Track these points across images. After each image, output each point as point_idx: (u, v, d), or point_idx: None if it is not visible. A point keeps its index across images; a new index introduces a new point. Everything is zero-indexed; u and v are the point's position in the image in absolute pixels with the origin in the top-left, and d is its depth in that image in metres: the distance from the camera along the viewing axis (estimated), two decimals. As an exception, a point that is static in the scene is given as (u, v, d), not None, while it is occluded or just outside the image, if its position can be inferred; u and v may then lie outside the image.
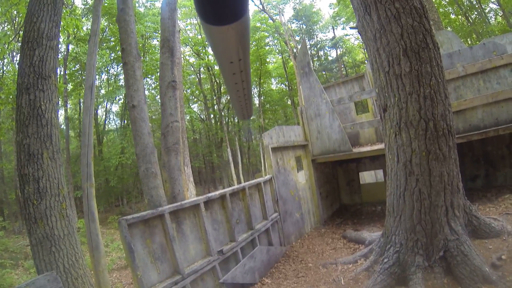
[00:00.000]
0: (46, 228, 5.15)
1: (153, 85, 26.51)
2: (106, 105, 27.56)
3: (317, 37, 31.46)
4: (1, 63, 17.21)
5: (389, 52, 4.82)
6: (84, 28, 20.30)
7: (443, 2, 19.98)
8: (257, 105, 29.70)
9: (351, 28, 19.72)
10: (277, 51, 29.48)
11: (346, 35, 30.20)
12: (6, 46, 11.17)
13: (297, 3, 30.13)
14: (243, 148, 33.82)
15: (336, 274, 6.14)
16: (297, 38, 29.26)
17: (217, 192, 6.57)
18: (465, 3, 19.71)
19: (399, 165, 5.04)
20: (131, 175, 24.60)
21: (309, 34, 29.93)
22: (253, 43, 26.50)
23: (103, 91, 25.34)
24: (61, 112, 22.18)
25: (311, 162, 10.38)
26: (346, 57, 31.43)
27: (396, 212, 5.23)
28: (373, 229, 8.52)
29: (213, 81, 29.41)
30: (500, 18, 20.39)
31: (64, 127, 21.58)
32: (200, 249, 5.89)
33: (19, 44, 15.37)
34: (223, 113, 29.53)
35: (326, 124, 10.02)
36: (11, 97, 10.24)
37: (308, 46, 30.78)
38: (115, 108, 29.04)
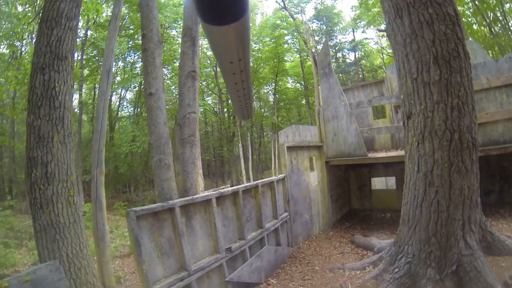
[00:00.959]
0: (51, 214, 4.92)
1: (168, 75, 26.53)
2: (121, 92, 27.69)
3: (336, 38, 31.12)
4: (20, 44, 17.35)
5: (418, 59, 4.68)
6: (104, 15, 20.39)
7: (466, 12, 19.58)
8: (272, 103, 29.60)
9: (379, 30, 19.44)
10: (295, 49, 29.21)
11: (366, 38, 29.92)
12: (26, 26, 11.16)
13: (319, 3, 29.79)
14: (254, 144, 33.75)
15: (343, 280, 6.05)
16: (317, 38, 28.96)
17: (230, 188, 6.50)
18: (490, 15, 19.26)
19: (419, 174, 4.92)
20: (140, 163, 24.72)
21: (328, 35, 29.58)
22: (272, 40, 26.35)
23: (118, 78, 25.46)
24: (76, 96, 22.32)
25: (325, 164, 10.28)
26: (364, 61, 31.05)
27: (411, 221, 5.12)
28: (382, 236, 8.40)
29: (229, 75, 29.25)
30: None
31: (78, 111, 21.73)
32: (209, 246, 5.81)
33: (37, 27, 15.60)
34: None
35: (343, 127, 9.89)
36: (27, 78, 10.27)
37: (327, 47, 30.45)
38: (129, 95, 29.15)
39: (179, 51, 23.51)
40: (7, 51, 16.07)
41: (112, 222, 16.13)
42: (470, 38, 18.32)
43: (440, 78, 4.55)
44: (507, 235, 5.53)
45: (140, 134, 21.72)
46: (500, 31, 19.10)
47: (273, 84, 29.23)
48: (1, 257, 10.63)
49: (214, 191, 6.55)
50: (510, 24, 19.36)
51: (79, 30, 22.85)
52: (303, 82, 30.15)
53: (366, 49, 30.15)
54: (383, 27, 24.60)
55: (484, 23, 19.45)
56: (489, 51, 18.93)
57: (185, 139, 6.25)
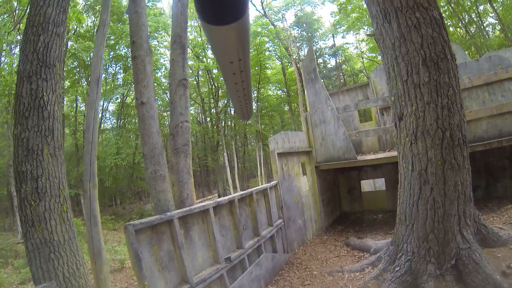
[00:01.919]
0: (44, 232, 4.69)
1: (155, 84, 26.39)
2: (103, 104, 27.32)
3: (317, 44, 31.63)
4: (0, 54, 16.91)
5: (408, 61, 4.83)
6: (83, 25, 20.13)
7: (443, 15, 20.24)
8: (255, 110, 29.70)
9: (368, 35, 19.82)
10: (276, 56, 29.52)
11: (346, 43, 30.47)
12: (6, 36, 10.88)
13: (299, 10, 30.32)
14: (239, 153, 33.73)
15: (344, 282, 6.09)
16: (298, 44, 29.36)
17: (226, 198, 6.45)
18: (465, 16, 20.03)
19: (414, 173, 5.04)
20: (125, 176, 24.34)
21: (309, 41, 30.06)
22: (253, 47, 26.56)
23: (100, 90, 25.06)
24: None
25: (315, 168, 10.36)
26: (345, 66, 31.63)
27: (408, 220, 5.22)
28: (377, 237, 8.51)
29: (211, 84, 29.35)
30: (498, 32, 20.80)
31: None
32: (208, 257, 5.71)
33: (17, 37, 15.23)
34: (220, 116, 29.44)
35: (331, 131, 10.02)
36: (7, 89, 9.89)
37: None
38: (111, 107, 28.77)
39: (161, 61, 23.33)
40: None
41: (100, 236, 15.74)
42: (449, 40, 18.93)
43: (429, 79, 4.71)
44: (499, 227, 5.71)
45: (125, 147, 21.40)
46: (476, 32, 19.85)
47: (255, 92, 29.38)
48: (-14, 276, 10.24)
49: (204, 200, 6.48)
50: (485, 25, 20.17)
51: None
52: (285, 89, 30.39)
53: (347, 54, 30.75)
54: (362, 32, 25.20)
55: (460, 24, 20.18)
56: (467, 52, 19.66)
57: (179, 148, 6.12)
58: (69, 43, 20.73)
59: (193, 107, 33.62)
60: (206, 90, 31.20)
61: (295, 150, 9.43)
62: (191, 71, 29.05)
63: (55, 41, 5.38)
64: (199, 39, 26.80)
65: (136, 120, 26.27)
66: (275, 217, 8.08)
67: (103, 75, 25.55)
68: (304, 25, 30.48)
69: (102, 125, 28.28)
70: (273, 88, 33.04)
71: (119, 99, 25.62)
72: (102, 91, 24.04)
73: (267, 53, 28.08)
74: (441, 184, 4.78)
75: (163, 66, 26.47)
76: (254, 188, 7.51)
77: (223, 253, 5.95)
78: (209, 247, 5.77)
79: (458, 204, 4.83)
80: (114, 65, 24.55)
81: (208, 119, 32.13)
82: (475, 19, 19.80)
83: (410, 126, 5.01)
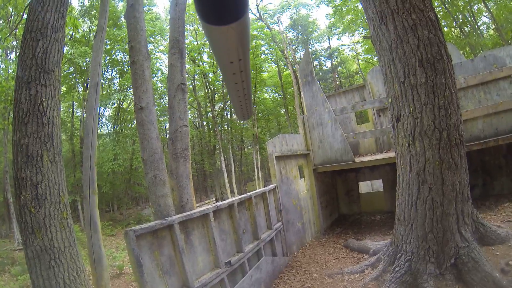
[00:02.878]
0: (44, 239, 4.61)
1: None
2: (99, 109, 27.29)
3: (312, 47, 31.75)
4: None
5: (405, 63, 4.87)
6: (79, 30, 20.10)
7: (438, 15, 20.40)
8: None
9: (364, 37, 19.94)
10: (272, 59, 29.60)
11: (342, 45, 30.64)
12: (2, 42, 10.81)
13: (294, 13, 30.43)
14: (236, 157, 33.71)
15: (344, 284, 6.10)
16: (293, 47, 29.47)
17: (225, 202, 6.44)
18: (460, 16, 20.21)
19: (412, 174, 5.07)
20: (123, 181, 24.25)
21: (305, 44, 30.17)
22: (249, 51, 26.56)
23: (99, 95, 25.04)
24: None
25: (312, 171, 10.38)
26: (340, 68, 31.76)
27: (407, 220, 5.24)
28: (375, 238, 8.53)
29: (208, 88, 29.37)
30: (492, 31, 21.00)
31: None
32: (208, 261, 5.69)
33: (13, 43, 15.18)
34: (217, 121, 29.45)
35: (328, 133, 10.05)
36: (3, 95, 9.82)
37: (303, 56, 30.96)
38: (107, 112, 28.72)
39: (157, 65, 23.27)
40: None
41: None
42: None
43: (426, 80, 4.75)
44: (497, 225, 5.75)
45: (122, 152, 21.32)
46: (470, 32, 20.00)
47: (252, 95, 29.33)
48: (-18, 284, 10.17)
49: (201, 204, 6.46)
50: (479, 24, 20.34)
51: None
52: (281, 92, 30.46)
53: (342, 56, 30.89)
54: (357, 33, 25.33)
55: (454, 24, 20.35)
56: (461, 51, 19.84)
57: (179, 153, 6.12)
58: (65, 48, 20.68)
59: (189, 111, 33.57)
60: (202, 94, 31.21)
61: (293, 153, 9.46)
62: (187, 75, 29.06)
63: (53, 46, 5.32)
64: (195, 43, 26.84)
65: (133, 125, 26.28)
66: (274, 221, 8.08)
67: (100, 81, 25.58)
68: (300, 27, 30.61)
69: (99, 131, 28.24)
70: (270, 91, 33.10)
71: (116, 104, 25.55)
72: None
73: (263, 56, 28.16)
74: (439, 184, 4.81)
75: (159, 71, 26.49)
76: (253, 192, 7.51)
77: (224, 257, 5.93)
78: (210, 252, 5.74)
79: (456, 203, 4.86)
80: (110, 70, 24.52)
81: (205, 123, 32.12)
82: (469, 18, 19.99)
83: (407, 127, 5.04)
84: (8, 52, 16.91)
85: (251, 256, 6.76)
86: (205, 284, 5.21)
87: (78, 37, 20.68)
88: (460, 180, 4.89)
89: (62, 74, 20.58)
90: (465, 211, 4.97)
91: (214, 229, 5.77)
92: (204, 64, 27.76)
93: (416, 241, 5.07)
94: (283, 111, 31.80)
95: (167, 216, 5.20)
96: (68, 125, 24.26)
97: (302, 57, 11.62)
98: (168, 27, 7.31)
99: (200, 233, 5.64)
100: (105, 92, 24.17)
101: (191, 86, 30.04)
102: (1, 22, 14.92)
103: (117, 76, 25.21)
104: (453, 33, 21.52)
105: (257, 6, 26.63)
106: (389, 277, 5.17)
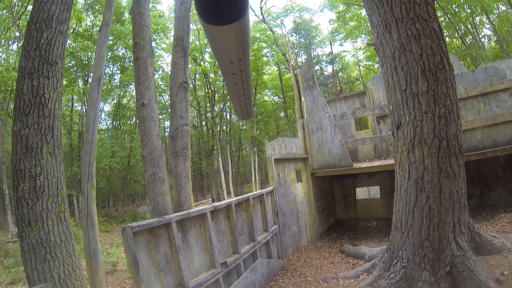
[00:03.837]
0: (41, 232, 4.56)
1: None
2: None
3: (314, 51, 31.81)
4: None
5: (407, 71, 4.91)
6: (82, 24, 20.12)
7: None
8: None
9: (367, 44, 20.01)
10: (273, 62, 29.65)
11: (344, 51, 30.73)
12: (5, 32, 10.76)
13: (297, 17, 30.52)
14: (233, 158, 33.71)
15: (338, 289, 6.12)
16: (295, 51, 29.55)
17: (223, 202, 6.46)
18: (462, 27, 20.34)
19: (410, 181, 5.10)
20: (120, 178, 24.20)
21: (307, 48, 30.27)
22: (251, 53, 26.66)
23: (101, 90, 25.04)
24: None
25: (310, 175, 10.41)
26: (341, 73, 31.84)
27: (404, 227, 5.26)
28: (371, 244, 8.55)
29: (208, 88, 29.38)
30: (494, 43, 21.14)
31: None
32: (204, 261, 5.69)
33: (16, 34, 15.16)
34: (216, 121, 29.47)
35: (328, 138, 10.09)
36: (3, 85, 9.76)
37: (305, 60, 31.10)
38: (107, 108, 28.71)
39: (158, 63, 23.25)
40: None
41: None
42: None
43: (427, 89, 4.79)
44: (492, 235, 5.80)
45: (120, 150, 21.27)
46: (471, 43, 20.12)
47: (252, 95, 29.36)
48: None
49: (198, 204, 6.46)
50: (481, 36, 20.46)
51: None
52: (281, 95, 30.51)
53: (344, 61, 30.99)
54: (359, 40, 25.41)
55: (456, 35, 20.46)
56: (462, 62, 19.97)
57: (178, 152, 6.11)
58: (67, 41, 20.68)
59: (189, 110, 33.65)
60: (202, 94, 31.23)
61: (291, 156, 9.48)
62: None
63: (58, 38, 5.28)
64: (197, 43, 26.85)
65: (132, 122, 26.26)
66: (270, 223, 8.10)
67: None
68: (302, 31, 30.69)
69: (98, 126, 28.19)
70: (270, 93, 33.15)
71: (116, 100, 25.56)
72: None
73: (264, 58, 28.22)
74: (437, 192, 4.84)
75: (161, 69, 26.51)
76: (251, 193, 7.53)
77: (220, 257, 5.92)
78: (206, 251, 5.74)
79: (453, 212, 4.90)
80: (112, 66, 24.53)
81: (204, 123, 32.12)
82: (471, 30, 20.12)
83: (407, 135, 5.07)
84: (10, 42, 16.88)
85: (246, 257, 6.76)
86: (200, 284, 5.21)
87: (81, 31, 20.64)
88: (457, 189, 4.92)
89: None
90: (461, 220, 5.01)
91: (211, 229, 5.77)
92: (206, 64, 27.78)
93: (412, 248, 5.08)
94: (282, 114, 31.83)
95: (165, 214, 5.19)
96: (67, 119, 24.21)
97: (304, 61, 11.63)
98: (171, 25, 7.32)
99: (197, 232, 5.64)
100: (105, 88, 24.17)
101: (191, 86, 30.07)
102: (4, 12, 14.89)
103: (118, 72, 25.22)
104: (454, 44, 21.65)
105: (261, 8, 26.73)
106: (384, 283, 5.19)
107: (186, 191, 6.03)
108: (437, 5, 18.60)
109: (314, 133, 10.36)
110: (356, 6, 21.64)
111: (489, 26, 20.12)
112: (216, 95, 29.57)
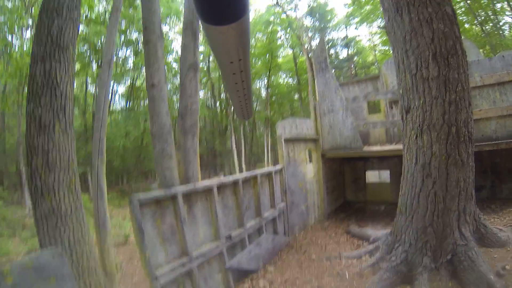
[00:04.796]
0: (53, 202, 4.81)
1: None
2: (113, 86, 27.64)
3: (329, 35, 31.18)
4: (11, 37, 17.18)
5: (418, 55, 4.83)
6: (94, 10, 20.39)
7: (458, 11, 19.85)
8: (264, 97, 29.62)
9: (379, 28, 19.57)
10: (288, 45, 29.29)
11: (359, 35, 30.09)
12: (18, 20, 10.94)
13: (312, 0, 29.82)
14: (247, 138, 33.84)
15: (340, 268, 6.22)
16: (310, 34, 29.03)
17: (230, 178, 6.60)
18: (481, 13, 19.60)
19: (417, 166, 5.09)
20: (133, 156, 24.69)
21: (321, 32, 29.67)
22: (265, 36, 26.38)
23: (111, 72, 25.30)
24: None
25: (321, 156, 10.44)
26: (357, 58, 31.21)
27: (408, 212, 5.29)
28: (377, 227, 8.60)
29: (222, 69, 29.24)
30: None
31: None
32: (210, 233, 5.91)
33: (28, 21, 15.36)
34: (229, 101, 29.49)
35: (339, 120, 10.05)
36: (18, 71, 10.00)
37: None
38: (121, 89, 29.12)
39: (171, 47, 23.31)
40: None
41: (106, 212, 16.18)
42: (463, 37, 18.59)
43: (438, 74, 4.71)
44: (499, 228, 5.68)
45: (133, 130, 21.66)
46: (491, 30, 19.41)
47: (266, 79, 29.25)
48: (-6, 245, 10.67)
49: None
50: (501, 23, 19.70)
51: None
52: (296, 77, 30.23)
53: (359, 46, 30.34)
54: (375, 24, 24.82)
55: (475, 22, 19.75)
56: (481, 50, 19.30)
57: (187, 128, 6.32)
58: (81, 27, 20.94)
59: (203, 91, 33.73)
60: (216, 75, 31.19)
61: (302, 137, 9.52)
62: (202, 57, 29.01)
63: (69, 24, 5.43)
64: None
65: (145, 103, 26.57)
66: (278, 201, 8.25)
67: (114, 59, 25.85)
68: (317, 15, 29.98)
69: (113, 107, 28.64)
70: (284, 76, 32.88)
71: (129, 82, 25.89)
72: (113, 74, 24.62)
73: (279, 42, 27.91)
74: (444, 179, 4.81)
75: (174, 51, 26.56)
76: (259, 170, 7.66)
77: (225, 231, 6.15)
78: (211, 225, 5.97)
79: (459, 200, 4.85)
80: (126, 49, 24.77)
81: (218, 103, 32.19)
82: (491, 16, 19.36)
83: (416, 119, 5.03)
84: (24, 29, 17.18)
85: (252, 232, 6.98)
86: (203, 254, 5.48)
87: (94, 17, 20.79)
88: (465, 177, 4.86)
89: (77, 53, 21.11)
90: (467, 209, 4.96)
91: (217, 204, 5.98)
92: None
93: (415, 233, 5.11)
94: (296, 96, 31.61)
95: (172, 187, 5.40)
96: (82, 101, 24.68)
97: (317, 44, 11.49)
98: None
99: (203, 206, 5.86)
100: (119, 70, 24.42)
101: (205, 67, 30.05)
102: (17, 1, 15.10)
103: (132, 55, 25.46)
104: (474, 31, 20.88)
105: (275, -8, 26.24)
106: (385, 265, 5.27)
107: (194, 166, 6.24)
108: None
109: (325, 115, 10.32)
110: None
111: (510, 13, 19.30)
112: (230, 76, 29.41)
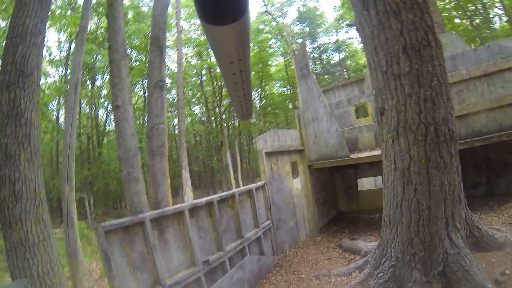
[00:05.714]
0: (20, 232, 4.92)
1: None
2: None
3: (320, 39, 31.17)
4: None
5: (387, 50, 4.46)
6: (88, 27, 20.32)
7: (447, 6, 19.81)
8: (258, 108, 29.40)
9: (347, 25, 19.44)
10: (279, 53, 29.21)
11: (349, 38, 29.97)
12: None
13: (301, 5, 29.86)
14: (243, 152, 33.54)
15: (329, 287, 5.87)
16: (300, 40, 28.97)
17: (204, 199, 6.30)
18: (470, 8, 19.51)
19: (397, 173, 4.68)
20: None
21: (312, 37, 29.64)
22: (256, 45, 26.32)
23: (104, 91, 25.20)
24: (62, 112, 22.24)
25: (308, 167, 10.05)
26: (349, 61, 31.10)
27: (392, 223, 4.88)
28: (370, 238, 8.20)
29: (215, 83, 29.19)
30: (505, 23, 20.17)
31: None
32: (184, 259, 5.60)
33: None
34: (224, 116, 29.29)
35: (324, 128, 9.68)
36: None
37: (311, 49, 30.51)
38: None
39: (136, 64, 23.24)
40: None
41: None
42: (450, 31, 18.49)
43: (410, 69, 4.33)
44: (497, 228, 5.31)
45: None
46: (481, 23, 19.34)
47: (259, 89, 29.08)
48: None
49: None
50: (490, 16, 19.59)
51: (62, 45, 22.95)
52: (288, 86, 30.08)
53: (350, 49, 30.26)
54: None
55: (465, 16, 19.68)
56: (471, 44, 19.14)
57: (155, 150, 6.11)
58: (72, 46, 21.01)
59: (198, 106, 33.63)
60: (209, 89, 31.07)
61: (285, 149, 9.15)
62: (195, 71, 28.96)
63: (32, 50, 5.54)
64: (202, 38, 26.60)
65: (139, 122, 26.37)
66: (262, 219, 7.85)
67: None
68: (307, 20, 29.97)
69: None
70: (278, 85, 32.75)
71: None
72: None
73: (270, 50, 27.82)
74: (425, 185, 4.40)
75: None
76: (237, 189, 7.33)
77: (201, 255, 5.83)
78: (186, 250, 5.67)
79: (446, 206, 4.45)
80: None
81: (213, 118, 31.98)
82: (481, 10, 19.23)
83: (391, 121, 4.64)
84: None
85: (233, 255, 6.61)
86: (178, 282, 5.19)
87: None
88: (449, 180, 4.44)
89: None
90: (456, 215, 4.55)
91: (190, 227, 5.68)
92: (212, 58, 27.52)
93: (401, 245, 4.70)
94: (290, 105, 31.40)
95: (140, 212, 5.22)
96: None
97: (298, 50, 11.30)
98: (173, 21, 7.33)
99: (176, 230, 5.58)
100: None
101: (198, 81, 29.98)
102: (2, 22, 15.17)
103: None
104: (464, 25, 20.76)
105: (264, -2, 26.29)
106: (372, 283, 4.84)
107: (163, 189, 6.05)
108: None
109: (310, 123, 9.97)
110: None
111: (499, 5, 19.13)
112: (223, 90, 29.31)
